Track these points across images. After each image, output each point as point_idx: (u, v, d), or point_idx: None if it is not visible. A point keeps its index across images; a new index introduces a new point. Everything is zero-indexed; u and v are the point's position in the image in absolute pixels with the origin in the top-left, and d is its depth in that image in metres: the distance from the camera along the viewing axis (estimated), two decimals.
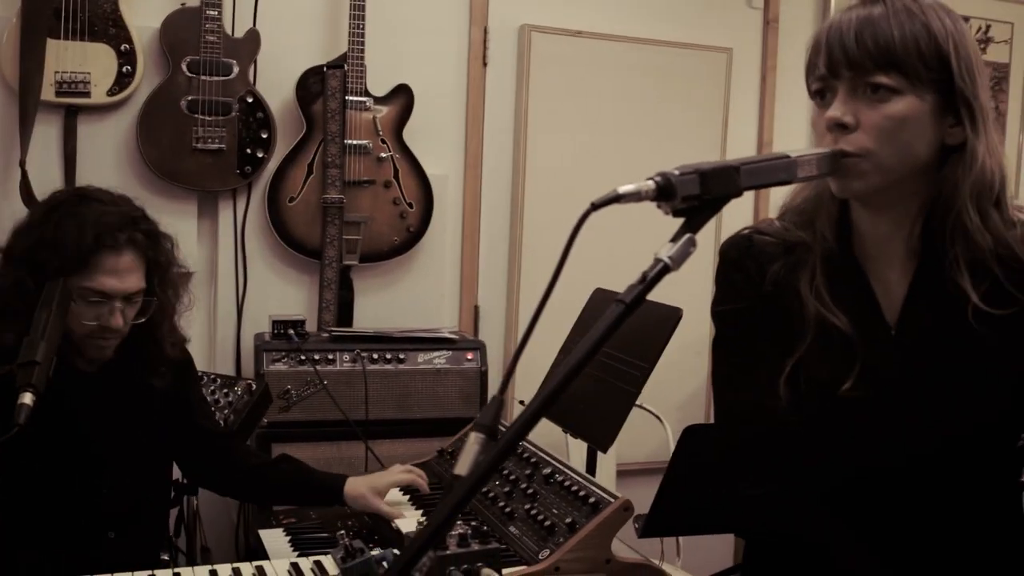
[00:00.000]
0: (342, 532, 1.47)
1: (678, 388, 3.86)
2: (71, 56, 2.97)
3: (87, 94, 3.01)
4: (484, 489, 2.33)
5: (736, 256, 1.58)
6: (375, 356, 3.06)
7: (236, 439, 2.59)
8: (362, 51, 3.21)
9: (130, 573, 1.63)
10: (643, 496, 1.93)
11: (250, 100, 3.16)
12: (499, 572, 1.34)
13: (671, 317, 2.37)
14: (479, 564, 1.36)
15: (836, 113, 1.34)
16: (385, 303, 3.46)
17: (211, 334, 3.30)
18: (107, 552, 2.11)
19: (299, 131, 3.25)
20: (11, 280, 1.99)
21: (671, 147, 3.81)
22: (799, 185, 1.56)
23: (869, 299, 1.48)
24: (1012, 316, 1.40)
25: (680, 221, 1.10)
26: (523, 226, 3.65)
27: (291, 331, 3.05)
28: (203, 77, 3.08)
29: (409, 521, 2.19)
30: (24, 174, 2.91)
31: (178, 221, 3.16)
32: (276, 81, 3.25)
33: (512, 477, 2.27)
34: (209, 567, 1.67)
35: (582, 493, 2.04)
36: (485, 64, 3.58)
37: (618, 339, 2.16)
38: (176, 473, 2.49)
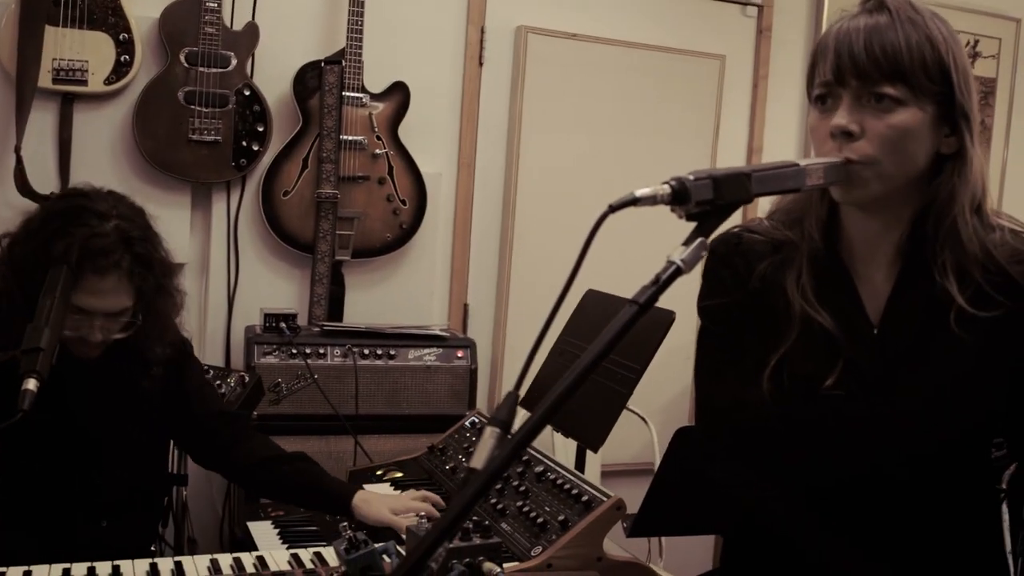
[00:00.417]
0: (345, 524, 1.48)
1: (663, 390, 3.88)
2: (69, 43, 2.97)
3: (84, 82, 3.00)
4: None
5: (725, 252, 1.62)
6: (366, 351, 3.07)
7: (249, 425, 2.52)
8: (360, 47, 3.22)
9: (131, 561, 1.64)
10: (627, 496, 1.97)
11: (247, 93, 3.16)
12: (500, 566, 1.36)
13: (664, 320, 2.40)
14: (480, 558, 1.38)
15: (842, 121, 1.37)
16: (375, 299, 3.47)
17: (201, 325, 3.31)
18: (100, 540, 2.11)
19: (295, 125, 3.26)
20: (0, 288, 2.01)
21: (663, 151, 3.84)
22: None
23: (853, 298, 1.52)
24: (993, 319, 1.44)
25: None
26: (514, 226, 3.67)
27: (283, 324, 3.05)
28: (201, 69, 3.09)
29: None
30: (19, 160, 2.90)
31: (171, 212, 3.17)
32: (273, 75, 3.25)
33: (504, 474, 2.28)
34: (210, 556, 1.68)
35: (574, 491, 2.06)
36: (481, 64, 3.60)
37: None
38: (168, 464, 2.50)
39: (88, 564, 1.62)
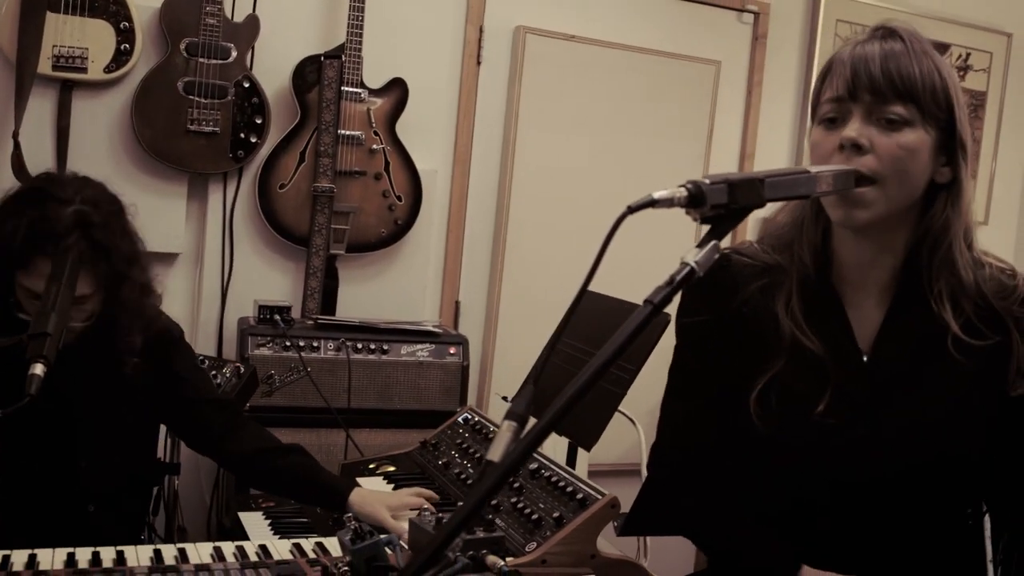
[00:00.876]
0: (349, 516, 1.50)
1: (651, 392, 3.90)
2: (70, 31, 2.97)
3: (84, 70, 3.00)
4: (469, 481, 2.37)
5: (710, 272, 1.64)
6: (359, 346, 3.08)
7: (242, 413, 2.50)
8: (360, 43, 3.23)
9: (134, 547, 1.65)
10: None
11: (246, 85, 3.17)
12: (503, 559, 1.38)
13: (659, 321, 2.42)
14: (484, 551, 1.39)
15: (853, 133, 1.40)
16: (368, 294, 3.48)
17: (194, 315, 3.31)
18: (88, 525, 2.11)
19: (293, 118, 3.26)
20: None
21: (657, 153, 3.87)
22: (778, 209, 1.63)
23: (842, 325, 1.55)
24: (982, 349, 1.49)
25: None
26: (508, 225, 3.69)
27: (277, 317, 3.06)
28: (201, 59, 3.09)
29: None
30: (17, 146, 2.90)
31: (167, 202, 3.18)
32: (273, 67, 3.26)
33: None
34: (213, 544, 1.69)
35: (569, 488, 2.08)
36: (479, 63, 3.62)
37: (607, 340, 2.20)
38: (159, 452, 2.49)
39: (93, 549, 1.63)
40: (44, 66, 2.94)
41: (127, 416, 2.24)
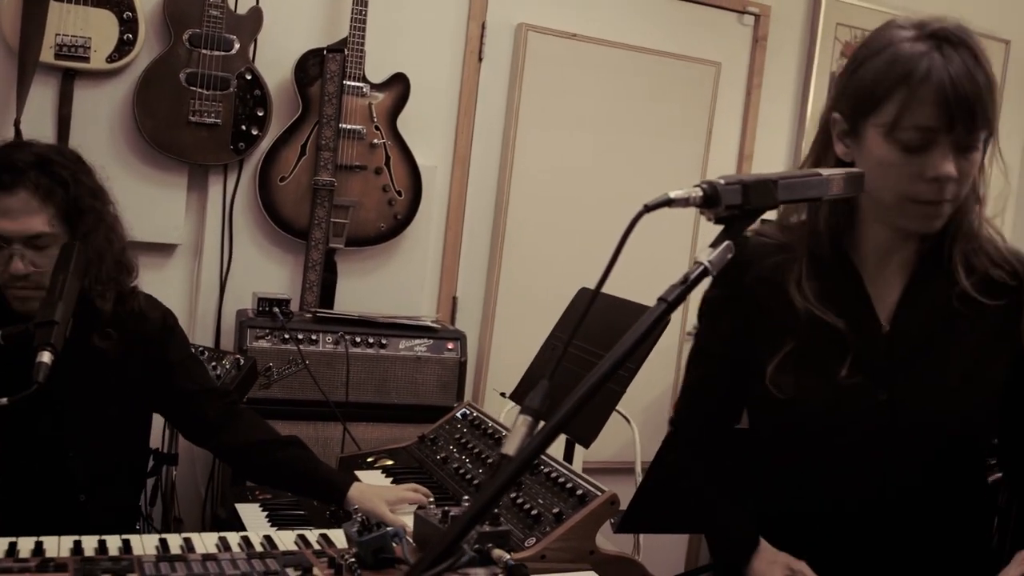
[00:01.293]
0: (356, 508, 1.51)
1: (646, 391, 3.93)
2: (73, 19, 2.96)
3: (86, 59, 3.00)
4: (468, 476, 2.38)
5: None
6: (358, 339, 3.09)
7: (238, 403, 2.45)
8: (363, 37, 3.24)
9: (139, 536, 1.65)
10: None
11: (248, 77, 3.17)
12: (509, 553, 1.39)
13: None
14: (490, 545, 1.41)
15: (951, 171, 1.44)
16: (366, 288, 3.49)
17: (192, 307, 3.31)
18: (80, 515, 2.10)
19: (295, 112, 3.27)
20: None
21: (656, 153, 3.89)
22: None
23: (863, 298, 1.58)
24: (1000, 308, 1.54)
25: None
26: (506, 221, 3.70)
27: (276, 309, 3.06)
28: (203, 51, 3.09)
29: None
30: (18, 133, 2.90)
31: (167, 192, 3.19)
32: (275, 60, 3.26)
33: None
34: (218, 534, 1.69)
35: (569, 485, 2.09)
36: (480, 60, 3.63)
37: (607, 337, 2.24)
38: (155, 442, 2.49)
39: (99, 537, 1.63)
40: (46, 54, 2.95)
41: (115, 405, 2.20)
